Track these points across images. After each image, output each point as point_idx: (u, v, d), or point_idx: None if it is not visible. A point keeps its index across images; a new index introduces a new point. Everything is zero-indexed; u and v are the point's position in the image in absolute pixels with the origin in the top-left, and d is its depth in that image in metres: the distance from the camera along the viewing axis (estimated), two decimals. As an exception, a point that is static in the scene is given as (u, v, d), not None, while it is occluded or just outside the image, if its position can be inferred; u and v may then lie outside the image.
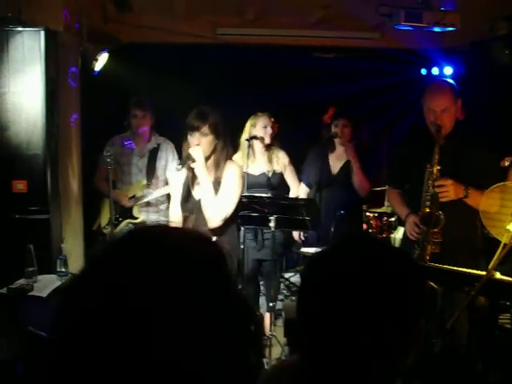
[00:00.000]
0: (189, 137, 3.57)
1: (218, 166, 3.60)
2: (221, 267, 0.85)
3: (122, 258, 0.81)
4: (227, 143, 3.69)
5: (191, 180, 3.68)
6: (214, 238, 3.57)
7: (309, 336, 1.23)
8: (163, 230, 0.90)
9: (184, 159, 3.60)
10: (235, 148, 5.13)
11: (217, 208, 3.54)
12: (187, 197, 3.68)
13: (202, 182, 3.54)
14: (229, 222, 3.65)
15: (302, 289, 1.28)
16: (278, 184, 5.09)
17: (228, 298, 0.83)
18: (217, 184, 3.58)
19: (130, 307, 0.75)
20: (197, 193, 3.66)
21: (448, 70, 6.85)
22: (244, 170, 4.77)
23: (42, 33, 3.94)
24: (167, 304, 0.75)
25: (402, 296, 1.20)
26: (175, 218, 3.74)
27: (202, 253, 0.85)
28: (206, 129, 3.52)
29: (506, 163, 4.96)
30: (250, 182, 4.80)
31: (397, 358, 1.20)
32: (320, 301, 1.20)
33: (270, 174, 5.01)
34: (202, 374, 0.76)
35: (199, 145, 3.53)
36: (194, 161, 3.53)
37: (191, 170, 3.63)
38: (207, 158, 3.58)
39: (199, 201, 3.61)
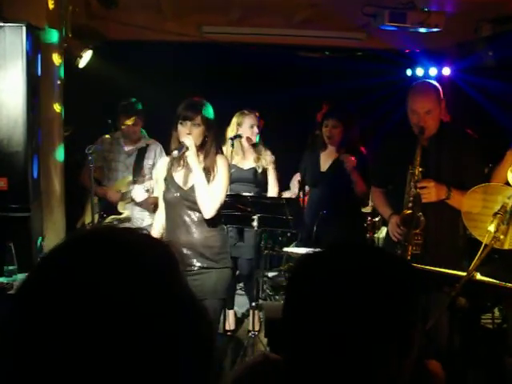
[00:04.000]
0: (179, 126, 3.56)
1: (207, 157, 3.60)
2: (169, 269, 0.84)
3: (65, 260, 0.80)
4: (217, 137, 3.72)
5: (175, 168, 3.68)
6: (199, 232, 3.60)
7: (299, 343, 1.19)
8: (113, 231, 0.88)
9: (180, 147, 3.55)
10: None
11: (210, 196, 3.54)
12: (170, 186, 3.67)
13: (194, 170, 3.53)
14: (216, 217, 3.66)
15: (292, 293, 1.25)
16: (263, 180, 5.10)
17: (176, 301, 0.82)
18: (207, 174, 3.57)
19: (72, 308, 0.74)
20: (180, 180, 3.66)
21: (433, 71, 6.88)
22: (233, 163, 4.82)
23: (24, 28, 3.88)
24: (110, 304, 0.75)
25: (397, 302, 1.17)
26: (159, 224, 3.80)
27: (148, 254, 0.83)
28: (198, 119, 3.53)
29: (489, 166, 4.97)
30: (237, 175, 4.83)
31: (395, 361, 1.17)
32: (313, 306, 1.16)
33: (259, 170, 5.05)
34: (145, 376, 0.75)
35: (190, 134, 3.52)
36: (187, 149, 3.52)
37: (180, 159, 3.62)
38: (198, 149, 3.57)
39: (187, 190, 3.60)
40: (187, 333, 0.80)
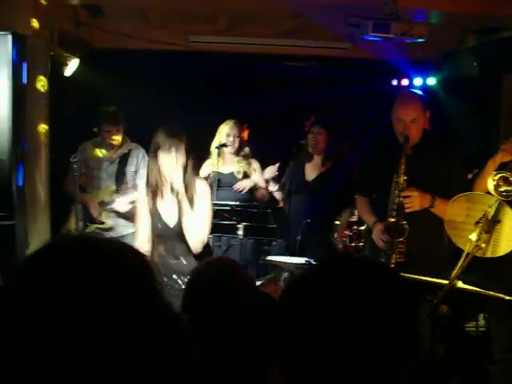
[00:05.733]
0: (164, 156, 3.45)
1: (188, 185, 3.54)
2: (145, 278, 0.85)
3: (40, 266, 0.81)
4: (193, 159, 3.66)
5: (157, 200, 3.61)
6: (188, 260, 3.54)
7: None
8: (90, 239, 0.89)
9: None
10: (207, 155, 5.19)
11: (198, 231, 3.53)
12: (156, 221, 3.62)
13: (185, 209, 3.49)
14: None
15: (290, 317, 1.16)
16: None
17: (152, 310, 0.82)
18: (189, 202, 3.52)
19: (46, 314, 0.75)
20: (169, 219, 3.61)
21: (418, 81, 6.94)
22: (214, 170, 4.84)
23: (10, 37, 3.88)
24: (85, 309, 0.76)
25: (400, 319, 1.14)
26: (144, 240, 3.65)
27: (126, 261, 0.84)
28: (182, 148, 3.47)
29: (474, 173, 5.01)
30: (219, 180, 4.87)
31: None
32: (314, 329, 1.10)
33: (239, 176, 5.07)
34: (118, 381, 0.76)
35: (177, 163, 3.45)
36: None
37: (160, 190, 3.56)
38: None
39: (174, 228, 3.58)
40: (162, 341, 0.81)
